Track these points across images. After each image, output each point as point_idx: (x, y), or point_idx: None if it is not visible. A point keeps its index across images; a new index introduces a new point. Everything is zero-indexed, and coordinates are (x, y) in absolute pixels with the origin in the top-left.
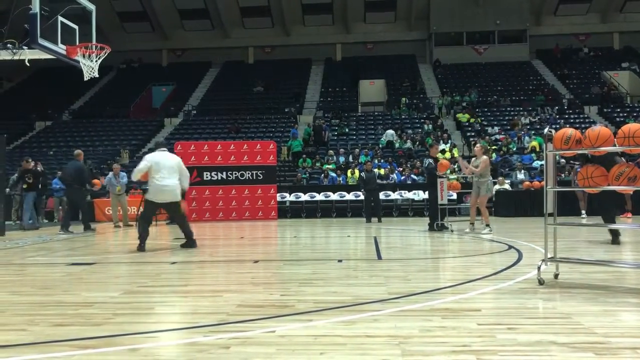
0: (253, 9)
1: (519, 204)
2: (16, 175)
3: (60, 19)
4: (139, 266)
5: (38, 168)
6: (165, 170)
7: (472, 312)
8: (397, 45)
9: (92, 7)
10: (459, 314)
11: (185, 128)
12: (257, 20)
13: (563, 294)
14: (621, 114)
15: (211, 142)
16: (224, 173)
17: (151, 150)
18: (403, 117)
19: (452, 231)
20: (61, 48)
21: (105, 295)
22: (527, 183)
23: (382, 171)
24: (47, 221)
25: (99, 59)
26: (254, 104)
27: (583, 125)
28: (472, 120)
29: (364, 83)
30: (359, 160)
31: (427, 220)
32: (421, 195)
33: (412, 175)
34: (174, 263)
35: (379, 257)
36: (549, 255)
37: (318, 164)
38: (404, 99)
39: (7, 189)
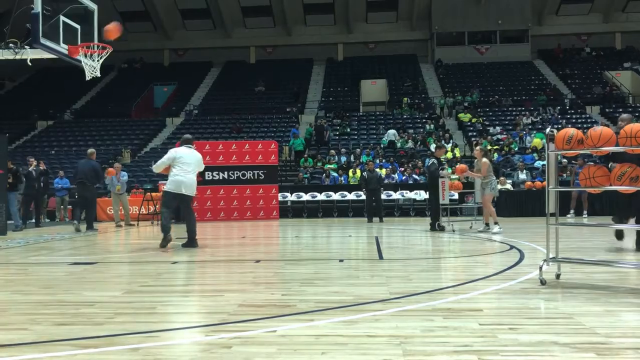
0: (255, 8)
1: (520, 204)
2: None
3: (62, 18)
4: (141, 266)
5: (41, 167)
6: (188, 165)
7: (474, 312)
8: (398, 45)
9: (94, 6)
10: (460, 314)
11: (187, 128)
12: (258, 20)
13: (565, 294)
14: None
15: (213, 142)
16: (226, 173)
17: (153, 150)
18: (405, 117)
19: (453, 231)
20: (63, 48)
21: (107, 294)
22: (529, 183)
23: (383, 171)
24: (48, 220)
25: (101, 58)
26: (256, 103)
27: (585, 125)
28: (473, 120)
29: (365, 83)
30: (361, 160)
31: (428, 220)
32: (423, 195)
33: (414, 175)
34: (175, 262)
35: (381, 257)
36: (550, 256)
37: (319, 164)
38: (405, 98)
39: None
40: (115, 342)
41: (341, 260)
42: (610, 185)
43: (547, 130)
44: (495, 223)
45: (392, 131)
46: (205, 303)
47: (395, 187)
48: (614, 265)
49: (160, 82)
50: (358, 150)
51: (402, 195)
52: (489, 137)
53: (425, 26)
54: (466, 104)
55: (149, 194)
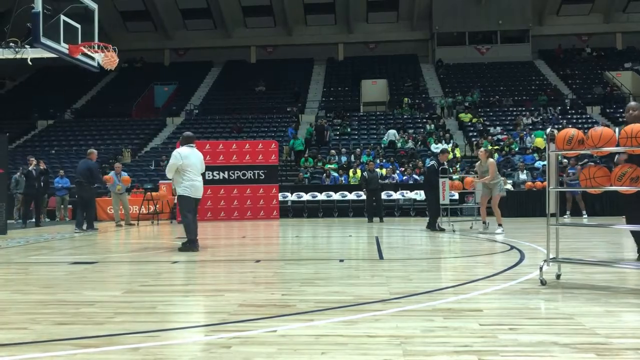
0: (255, 8)
1: (521, 204)
2: (18, 174)
3: (62, 18)
4: (141, 265)
5: (41, 167)
6: (196, 167)
7: (474, 312)
8: (399, 45)
9: (94, 6)
10: (460, 314)
11: (187, 127)
12: (259, 19)
13: (565, 295)
14: (624, 115)
15: (213, 142)
16: (226, 172)
17: (154, 149)
18: (405, 117)
19: (454, 231)
20: (63, 47)
21: (107, 294)
22: (529, 183)
23: (384, 171)
24: (48, 220)
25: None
26: (256, 103)
27: (585, 126)
28: (474, 120)
29: (366, 83)
30: (361, 160)
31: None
32: (423, 195)
33: (414, 175)
34: (175, 262)
35: (381, 257)
36: (551, 256)
37: (320, 164)
38: (406, 98)
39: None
40: (115, 341)
41: (341, 260)
42: (611, 185)
43: (548, 130)
44: (500, 225)
45: (392, 131)
46: (205, 303)
47: (395, 187)
48: (614, 266)
49: (160, 81)
50: (358, 150)
51: (403, 195)
52: (490, 137)
53: (426, 26)
54: (467, 104)
55: (149, 193)
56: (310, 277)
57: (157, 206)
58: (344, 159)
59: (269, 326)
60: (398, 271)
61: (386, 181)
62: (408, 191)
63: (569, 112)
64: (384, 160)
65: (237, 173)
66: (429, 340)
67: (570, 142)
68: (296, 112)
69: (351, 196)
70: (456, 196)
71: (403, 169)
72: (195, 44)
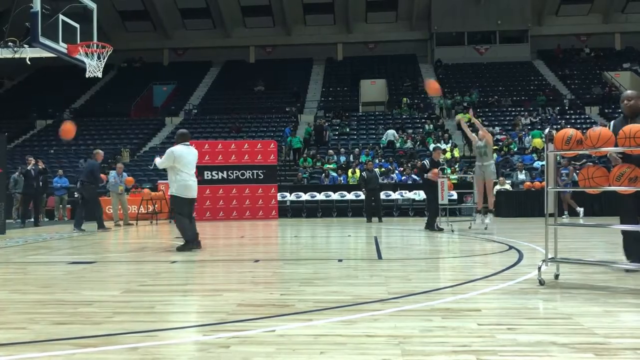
0: (254, 8)
1: (519, 205)
2: (17, 174)
3: (61, 17)
4: (139, 265)
5: (40, 166)
6: (191, 165)
7: (473, 312)
8: (398, 45)
9: (93, 5)
10: (459, 314)
11: (186, 127)
12: (258, 19)
13: (563, 295)
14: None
15: (212, 141)
16: (225, 172)
17: (152, 149)
18: (404, 116)
19: (452, 231)
20: (62, 47)
21: (105, 294)
22: (528, 183)
23: (383, 171)
24: (47, 220)
25: (104, 58)
26: (255, 103)
27: (584, 126)
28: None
29: (365, 83)
30: (360, 160)
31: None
32: (422, 195)
33: (413, 175)
34: (174, 262)
35: (380, 257)
36: (549, 256)
37: (319, 164)
38: (405, 98)
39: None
40: (114, 341)
41: (340, 260)
42: (610, 185)
43: (547, 130)
44: (491, 211)
45: (391, 131)
46: (204, 302)
47: (394, 187)
48: (613, 266)
49: (159, 81)
50: (357, 150)
51: (401, 195)
52: None
53: (425, 26)
54: (465, 104)
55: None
56: (309, 277)
57: (156, 206)
58: (342, 158)
59: (267, 326)
60: (397, 271)
61: (385, 181)
62: (407, 191)
63: (568, 112)
64: (382, 160)
65: (236, 173)
66: (428, 340)
67: (569, 143)
68: (295, 112)
69: (350, 196)
70: (455, 196)
71: (402, 169)
72: (194, 44)
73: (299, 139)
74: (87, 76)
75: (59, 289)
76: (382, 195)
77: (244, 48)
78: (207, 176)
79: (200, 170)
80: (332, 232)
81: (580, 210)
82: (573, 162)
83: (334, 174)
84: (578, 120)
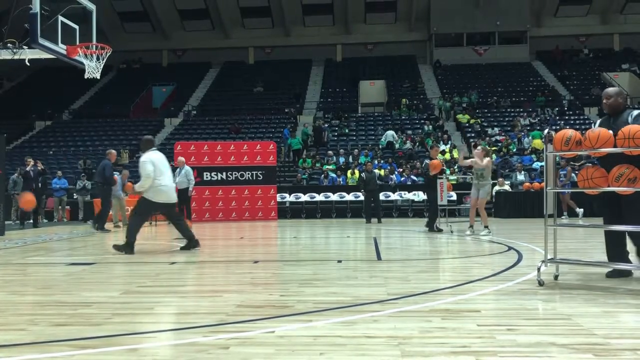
0: (253, 9)
1: (518, 205)
2: (16, 175)
3: (60, 18)
4: (139, 266)
5: (39, 167)
6: (166, 169)
7: (472, 313)
8: (397, 46)
9: (92, 6)
10: (458, 314)
11: (186, 128)
12: (257, 20)
13: (563, 295)
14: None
15: (211, 143)
16: (224, 173)
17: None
18: (403, 117)
19: (452, 232)
20: (61, 48)
21: (105, 295)
22: (527, 184)
23: (382, 172)
24: (46, 221)
25: (103, 59)
26: (254, 104)
27: (583, 127)
28: (472, 121)
29: (364, 84)
30: (359, 161)
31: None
32: (421, 196)
33: (412, 176)
34: (173, 263)
35: (379, 258)
36: (548, 257)
37: (318, 165)
38: (404, 99)
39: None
40: (113, 342)
41: (339, 261)
42: (609, 186)
43: (546, 131)
44: (486, 227)
45: (390, 132)
46: (203, 304)
47: (393, 188)
48: (612, 267)
49: (158, 82)
50: (356, 151)
51: (401, 196)
52: (487, 138)
53: (424, 27)
54: (464, 105)
55: None
56: (309, 278)
57: None
58: (342, 159)
59: (267, 327)
60: (396, 272)
61: (384, 182)
62: (406, 192)
63: (567, 113)
64: (382, 161)
65: (235, 174)
66: (427, 340)
67: (568, 143)
68: (294, 113)
69: (349, 197)
70: (454, 197)
71: (401, 169)
72: (194, 45)
73: (298, 140)
74: (86, 77)
75: (58, 290)
76: (382, 196)
77: (243, 49)
78: (207, 177)
79: (199, 171)
80: (332, 233)
81: (580, 211)
82: (572, 163)
83: (333, 175)
84: (577, 121)
